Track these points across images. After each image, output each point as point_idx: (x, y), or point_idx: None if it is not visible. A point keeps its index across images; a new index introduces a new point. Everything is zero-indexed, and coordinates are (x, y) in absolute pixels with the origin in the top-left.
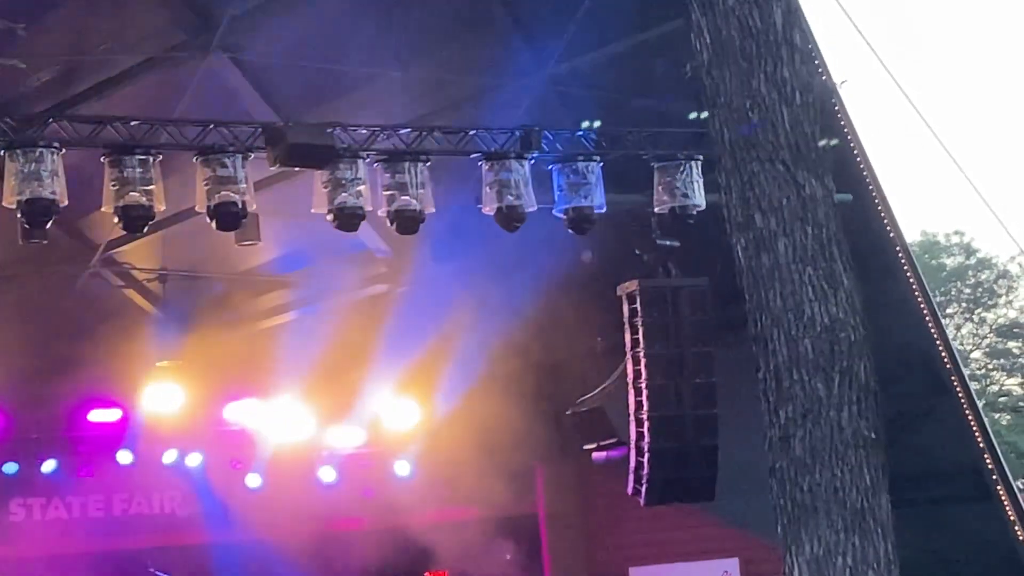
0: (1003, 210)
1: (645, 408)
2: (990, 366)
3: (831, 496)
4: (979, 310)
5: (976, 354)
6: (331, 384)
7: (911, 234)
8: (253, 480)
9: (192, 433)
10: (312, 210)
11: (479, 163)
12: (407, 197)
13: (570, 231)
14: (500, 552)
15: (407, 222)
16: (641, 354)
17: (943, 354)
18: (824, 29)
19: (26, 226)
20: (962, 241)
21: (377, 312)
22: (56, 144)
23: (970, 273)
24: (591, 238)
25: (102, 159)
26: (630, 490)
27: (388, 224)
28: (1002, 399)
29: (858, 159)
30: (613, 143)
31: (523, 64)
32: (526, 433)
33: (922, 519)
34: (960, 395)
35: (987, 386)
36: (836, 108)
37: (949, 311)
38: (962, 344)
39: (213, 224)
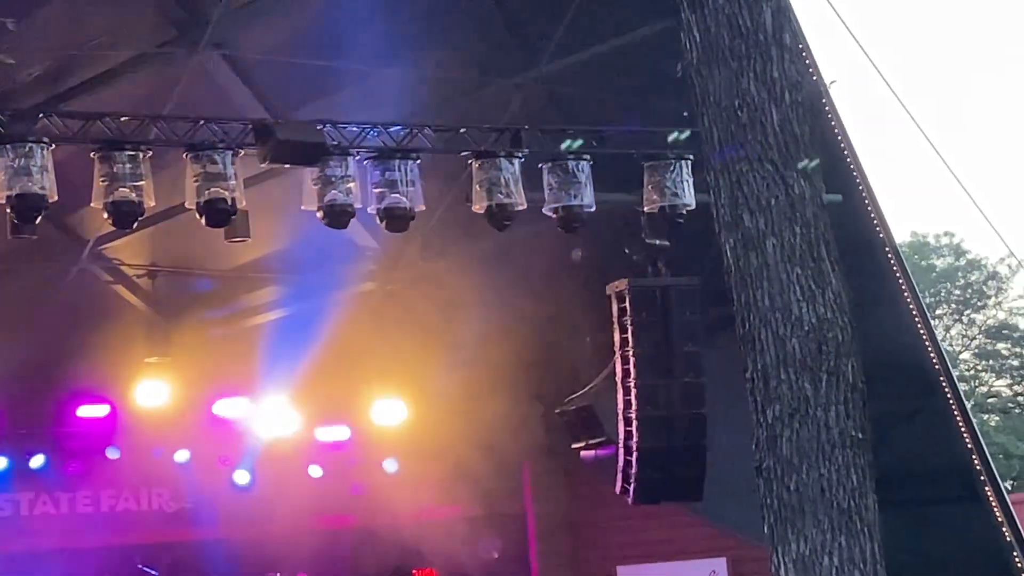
0: (993, 212)
1: (633, 407)
2: (979, 367)
3: (818, 496)
4: (968, 311)
5: (965, 355)
6: (320, 381)
7: (901, 235)
8: (241, 477)
9: (181, 430)
10: (302, 207)
11: (469, 161)
12: (397, 195)
13: (560, 230)
14: (488, 550)
15: (397, 220)
16: (630, 353)
17: (932, 355)
18: (814, 29)
19: (15, 221)
20: (952, 242)
21: (366, 309)
22: (46, 139)
23: (960, 274)
24: (581, 237)
25: (92, 155)
26: (618, 489)
27: (378, 222)
28: (991, 400)
29: (848, 159)
30: (603, 142)
31: (514, 62)
32: (514, 431)
33: (909, 520)
34: (949, 396)
35: (976, 387)
36: (826, 108)
37: (938, 312)
38: (951, 345)
39: (202, 221)
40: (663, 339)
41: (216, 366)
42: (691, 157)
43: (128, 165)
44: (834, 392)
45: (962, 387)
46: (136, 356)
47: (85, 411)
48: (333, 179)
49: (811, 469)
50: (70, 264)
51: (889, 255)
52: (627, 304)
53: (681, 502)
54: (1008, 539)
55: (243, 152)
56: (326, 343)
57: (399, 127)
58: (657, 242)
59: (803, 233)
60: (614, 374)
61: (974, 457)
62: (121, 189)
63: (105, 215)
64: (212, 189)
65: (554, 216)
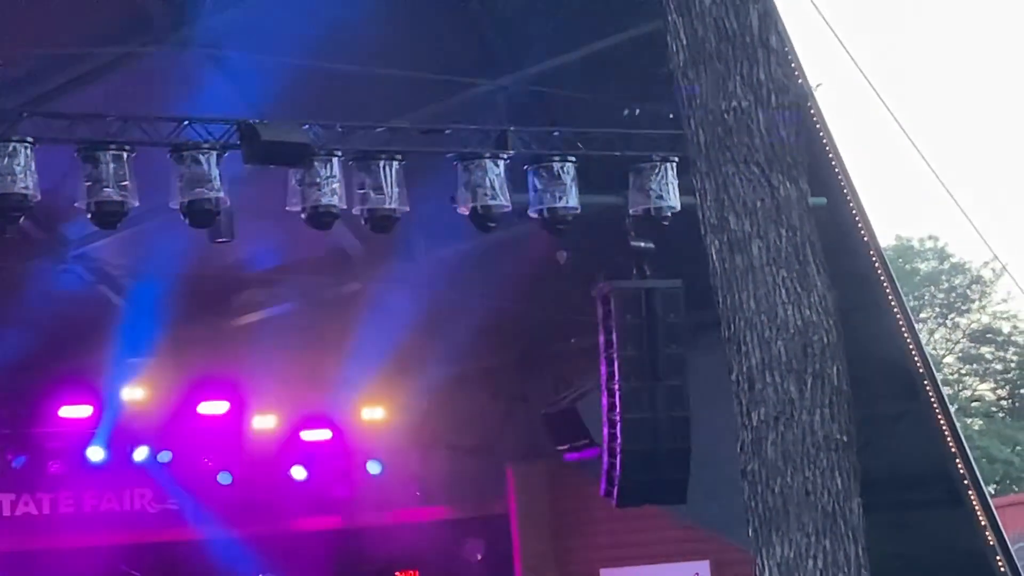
0: (977, 216)
1: (618, 409)
2: (963, 371)
3: (802, 499)
4: (952, 315)
5: (949, 359)
6: (303, 382)
7: (885, 238)
8: (224, 477)
9: (164, 430)
10: (286, 208)
11: (454, 163)
12: (381, 196)
13: (544, 231)
14: (471, 552)
15: (381, 221)
16: (614, 355)
17: (916, 358)
18: (800, 32)
19: None
20: (936, 246)
21: (350, 310)
22: (29, 139)
23: (944, 278)
24: (566, 239)
25: (76, 155)
26: (602, 491)
27: (362, 223)
28: (974, 404)
29: (833, 163)
30: (588, 144)
31: (500, 64)
32: (498, 433)
33: (893, 523)
34: (932, 400)
35: (960, 391)
36: (811, 111)
37: (923, 316)
38: (935, 349)
39: (187, 221)
40: (647, 341)
41: (200, 367)
42: (676, 160)
43: (112, 165)
44: (819, 395)
45: (946, 391)
46: (119, 357)
47: (68, 411)
48: (317, 180)
49: (796, 472)
50: (54, 264)
51: (873, 258)
52: (611, 306)
53: (665, 504)
54: (991, 543)
55: (227, 153)
56: (310, 344)
57: (384, 128)
58: (642, 244)
59: (789, 236)
60: (598, 376)
61: (957, 461)
62: (105, 189)
63: (89, 215)
64: (196, 190)
65: (539, 218)
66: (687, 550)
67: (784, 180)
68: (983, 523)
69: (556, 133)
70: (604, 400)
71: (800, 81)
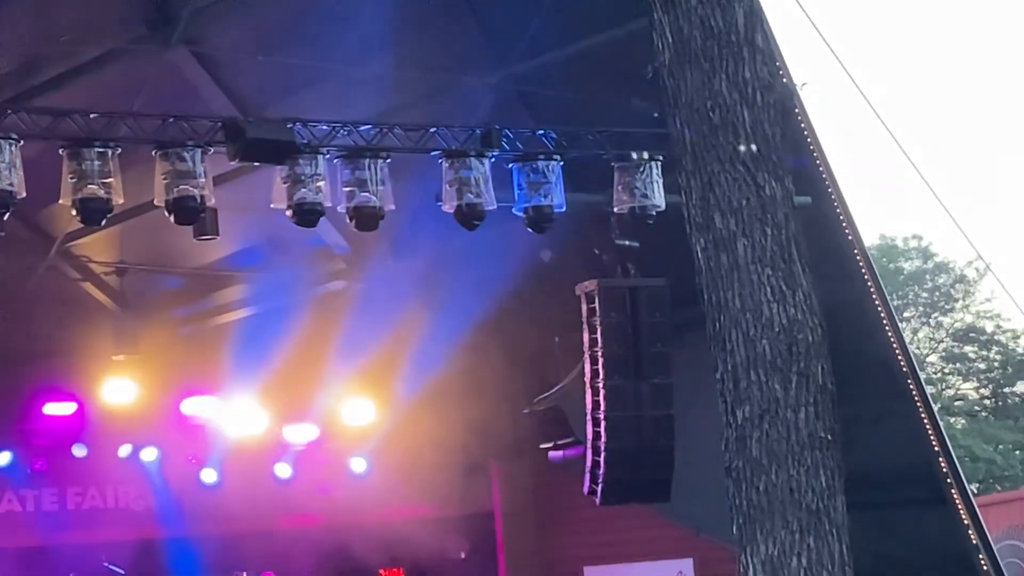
0: (961, 215)
1: (602, 408)
2: (946, 370)
3: (787, 497)
4: (936, 314)
5: (932, 358)
6: (288, 380)
7: (870, 238)
8: (208, 475)
9: (148, 427)
10: (271, 205)
11: (439, 160)
12: (367, 194)
13: (529, 230)
14: (455, 550)
15: (366, 219)
16: (599, 354)
17: (900, 358)
18: (785, 31)
19: None
20: (920, 245)
21: (335, 308)
22: (14, 136)
23: (928, 277)
24: (550, 237)
25: (60, 151)
26: (586, 489)
27: (347, 221)
28: (958, 403)
29: (818, 162)
30: (573, 142)
31: (485, 62)
32: (483, 431)
33: (877, 522)
34: (916, 399)
35: (943, 390)
36: (796, 110)
37: (906, 315)
38: (919, 348)
39: (171, 218)
40: (632, 340)
41: (184, 364)
42: (661, 158)
43: (97, 162)
44: (804, 393)
45: (929, 390)
46: (103, 353)
47: (52, 408)
48: (303, 177)
49: (780, 470)
50: (38, 261)
51: (858, 258)
52: (596, 305)
53: (649, 503)
54: (974, 542)
55: (212, 150)
56: (295, 342)
57: (369, 126)
58: (627, 243)
59: (774, 235)
60: (583, 374)
61: (941, 460)
62: (90, 186)
63: (73, 212)
64: (181, 187)
65: (524, 216)
66: (671, 548)
67: (769, 179)
68: (966, 522)
69: (542, 131)
70: (588, 398)
71: (785, 80)
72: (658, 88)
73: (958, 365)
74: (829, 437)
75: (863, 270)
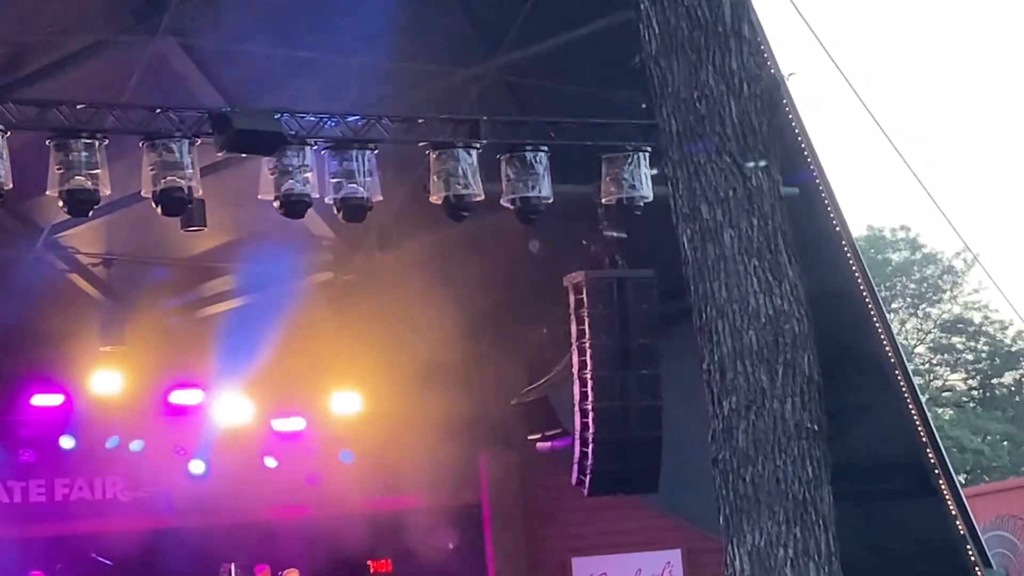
0: (949, 206)
1: (590, 399)
2: (934, 361)
3: (773, 487)
4: (924, 305)
5: (920, 349)
6: (276, 371)
7: (857, 228)
8: (196, 467)
9: (135, 419)
10: (259, 196)
11: (426, 152)
12: (354, 185)
13: (517, 221)
14: (443, 541)
15: (354, 210)
16: (586, 345)
17: (887, 348)
18: (772, 21)
19: None
20: (908, 236)
21: (323, 300)
22: (1, 127)
23: (915, 268)
24: (538, 228)
25: (48, 142)
26: (574, 480)
27: (335, 212)
28: (945, 394)
29: (805, 152)
30: (561, 133)
31: (473, 53)
32: (470, 422)
33: (864, 513)
34: (903, 390)
35: (930, 381)
36: (784, 101)
37: (894, 306)
38: (906, 339)
39: (159, 210)
40: (619, 331)
41: (171, 355)
42: (649, 149)
43: (84, 153)
44: (790, 384)
45: (917, 381)
46: (91, 345)
47: (39, 400)
48: (290, 169)
49: (767, 461)
50: (25, 252)
51: (845, 248)
52: (584, 296)
53: (636, 494)
54: (961, 532)
55: (200, 141)
56: (282, 333)
57: (357, 117)
58: (614, 234)
59: (760, 225)
60: (570, 366)
61: (928, 450)
62: (77, 177)
63: (60, 203)
64: (168, 178)
65: (512, 207)
66: (659, 539)
67: (756, 169)
68: (954, 512)
69: (529, 122)
70: (576, 390)
71: (772, 70)
72: (645, 79)
73: (946, 356)
74: (816, 428)
75: (850, 261)
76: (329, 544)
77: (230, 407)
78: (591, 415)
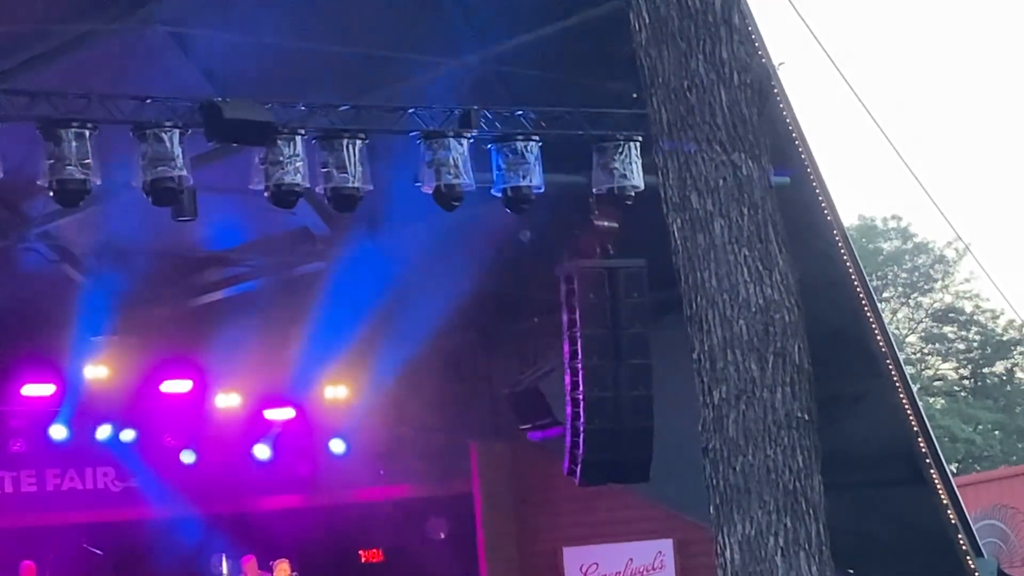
0: (940, 196)
1: (581, 388)
2: (925, 350)
3: (764, 477)
4: (915, 295)
5: (911, 338)
6: (267, 361)
7: (848, 218)
8: (187, 456)
9: (126, 409)
10: (249, 186)
11: (417, 141)
12: (344, 174)
13: (508, 211)
14: (434, 531)
15: (344, 200)
16: (578, 334)
17: (878, 338)
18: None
19: None
20: (899, 226)
21: (314, 289)
22: None
23: (907, 258)
24: (529, 218)
25: (38, 133)
26: (565, 470)
27: (325, 201)
28: (937, 383)
29: (796, 142)
30: (552, 123)
31: (464, 42)
32: (462, 412)
33: (854, 502)
34: (895, 379)
35: (922, 370)
36: (774, 90)
37: (885, 295)
38: (898, 328)
39: (149, 200)
40: (610, 321)
41: (163, 346)
42: (640, 139)
43: (74, 143)
44: (780, 373)
45: (908, 370)
46: (82, 335)
47: (30, 390)
48: (281, 159)
49: (757, 450)
50: (16, 243)
51: (836, 238)
52: (575, 286)
53: (627, 483)
54: (952, 521)
55: (190, 131)
56: (273, 322)
57: (347, 106)
58: (605, 224)
59: (751, 214)
60: (562, 355)
61: (919, 440)
62: (68, 167)
63: (51, 194)
64: (159, 168)
65: (503, 197)
66: (650, 528)
67: (746, 159)
68: (945, 502)
69: (520, 112)
70: (567, 379)
71: (763, 59)
72: (635, 68)
73: (937, 345)
74: (806, 417)
75: (842, 250)
76: (320, 534)
77: (221, 397)
78: (582, 405)
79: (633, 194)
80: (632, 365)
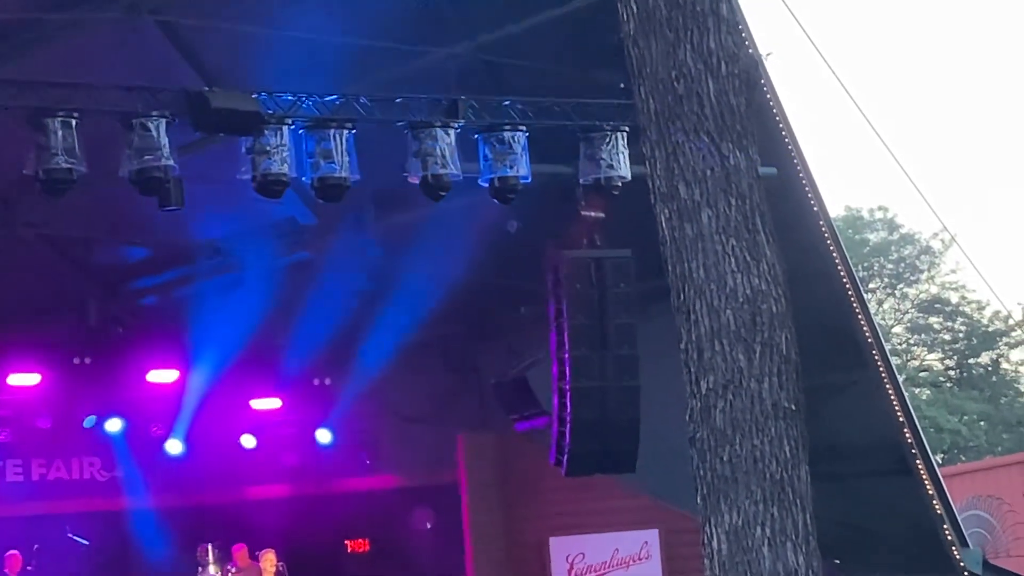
0: (927, 187)
1: (567, 378)
2: (911, 341)
3: (751, 467)
4: (901, 285)
5: (898, 329)
6: (254, 351)
7: (835, 209)
8: (173, 446)
9: (113, 399)
10: (236, 176)
11: (404, 131)
12: (332, 164)
13: (495, 201)
14: (420, 521)
15: (331, 189)
16: (564, 325)
17: (865, 328)
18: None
19: None
20: (886, 217)
21: (301, 279)
22: None
23: (893, 249)
24: (516, 208)
25: (24, 122)
26: (552, 460)
27: (312, 191)
28: (922, 374)
29: (783, 132)
30: (539, 113)
31: (451, 32)
32: (448, 402)
33: (841, 492)
34: (881, 369)
35: (908, 361)
36: (762, 81)
37: (872, 286)
38: (884, 319)
39: (136, 189)
40: (597, 311)
41: (149, 335)
42: (627, 129)
43: (61, 133)
44: (768, 364)
45: (894, 361)
46: (69, 325)
47: (17, 379)
48: (267, 148)
49: (744, 440)
50: (3, 232)
51: (823, 228)
52: (562, 275)
53: (614, 473)
54: (938, 512)
55: (177, 120)
56: (261, 312)
57: (334, 96)
58: (592, 214)
59: (738, 205)
60: (549, 345)
61: (905, 430)
62: (54, 158)
63: (37, 183)
64: (145, 158)
65: (490, 187)
66: (636, 519)
67: (734, 149)
68: (930, 492)
69: (507, 102)
70: (554, 369)
71: (750, 50)
72: (623, 59)
73: (923, 336)
74: (793, 407)
75: (828, 241)
76: (307, 524)
77: (208, 387)
78: (568, 395)
79: (620, 184)
80: (619, 355)
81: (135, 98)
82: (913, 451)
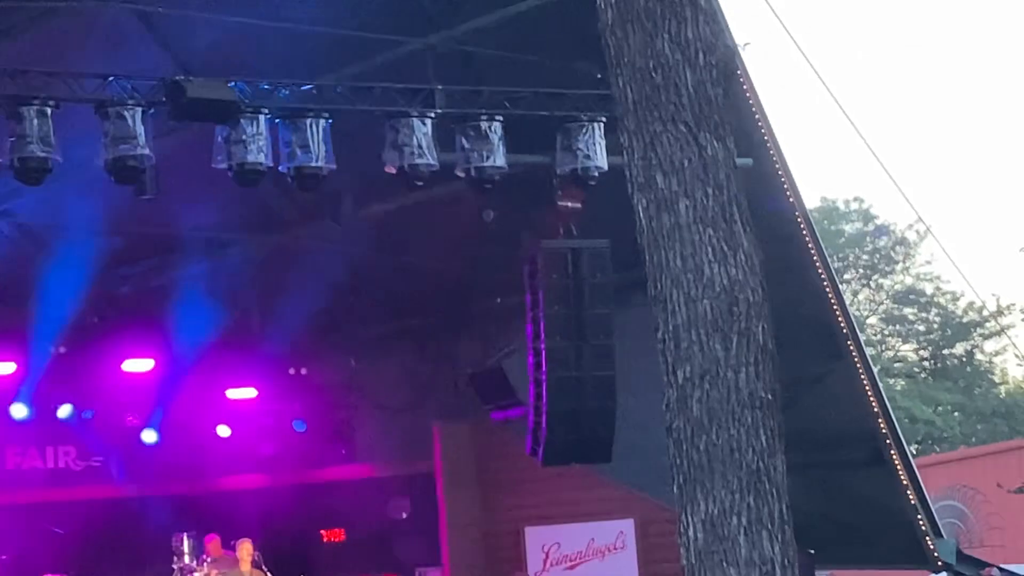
0: (902, 178)
1: (543, 368)
2: (886, 332)
3: (727, 456)
4: (876, 276)
5: (872, 320)
6: (230, 340)
7: (810, 200)
8: (149, 436)
9: (88, 387)
10: (213, 165)
11: (381, 121)
12: (308, 154)
13: (471, 190)
14: (396, 510)
15: (308, 179)
16: (540, 315)
17: (840, 319)
18: None
19: None
20: (861, 208)
21: (276, 268)
22: None
23: (868, 239)
24: (493, 198)
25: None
26: (528, 450)
27: (289, 180)
28: (897, 365)
29: (759, 123)
30: (516, 103)
31: (428, 22)
32: (424, 392)
33: (817, 482)
34: (856, 360)
35: (883, 352)
36: (739, 71)
37: (847, 277)
38: (859, 310)
39: (112, 178)
40: (573, 301)
41: (125, 324)
42: (604, 119)
43: (36, 121)
44: (745, 353)
45: (869, 351)
46: (43, 313)
47: None
48: (244, 137)
49: (721, 430)
50: None
51: (799, 219)
52: (538, 265)
53: (590, 463)
54: (912, 502)
55: (153, 109)
56: (236, 302)
57: (311, 85)
58: (569, 204)
59: (715, 195)
60: (525, 336)
61: (880, 421)
62: (29, 146)
63: (12, 171)
64: (121, 147)
65: (466, 177)
66: (612, 508)
67: (711, 139)
68: (905, 482)
69: (483, 92)
70: (530, 359)
71: (728, 41)
72: (601, 49)
73: (898, 327)
74: (769, 397)
75: (804, 232)
76: (282, 513)
77: (183, 376)
78: (544, 385)
79: (597, 174)
80: (595, 345)
81: (111, 87)
82: (888, 441)
